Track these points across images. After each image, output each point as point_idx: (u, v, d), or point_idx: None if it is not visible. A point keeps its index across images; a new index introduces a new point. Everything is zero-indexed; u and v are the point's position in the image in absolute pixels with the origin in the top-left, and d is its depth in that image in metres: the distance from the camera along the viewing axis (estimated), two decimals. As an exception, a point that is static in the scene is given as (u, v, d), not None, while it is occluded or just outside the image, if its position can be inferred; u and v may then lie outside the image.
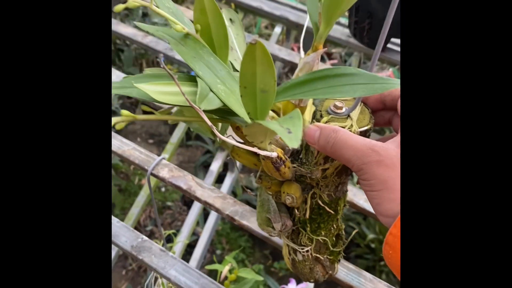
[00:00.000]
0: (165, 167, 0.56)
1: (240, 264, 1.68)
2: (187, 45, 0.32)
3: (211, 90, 0.30)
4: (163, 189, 1.77)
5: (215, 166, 1.15)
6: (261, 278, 0.74)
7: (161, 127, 2.05)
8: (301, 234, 0.39)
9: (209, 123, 0.27)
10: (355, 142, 0.29)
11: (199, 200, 0.53)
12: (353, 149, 0.29)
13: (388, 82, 0.28)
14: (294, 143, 0.22)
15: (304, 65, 0.34)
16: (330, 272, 0.43)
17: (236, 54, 0.43)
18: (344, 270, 0.48)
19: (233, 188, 1.49)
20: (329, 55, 2.00)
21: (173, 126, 1.46)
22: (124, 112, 0.26)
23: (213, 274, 0.94)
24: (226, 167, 1.40)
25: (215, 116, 0.32)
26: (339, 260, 0.43)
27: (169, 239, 1.25)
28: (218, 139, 0.36)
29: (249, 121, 0.29)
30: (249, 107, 0.28)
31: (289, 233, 0.39)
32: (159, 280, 0.73)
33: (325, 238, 0.39)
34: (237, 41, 0.43)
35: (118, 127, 0.26)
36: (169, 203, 1.73)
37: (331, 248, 0.40)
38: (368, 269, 1.63)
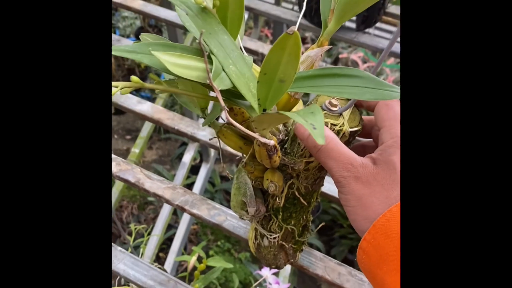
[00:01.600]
0: (112, 161, 0.55)
1: (226, 253, 1.69)
2: (203, 20, 0.31)
3: (223, 70, 0.30)
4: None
5: (187, 157, 1.14)
6: (230, 265, 0.74)
7: (138, 123, 2.03)
8: (272, 221, 0.39)
9: (222, 103, 0.27)
10: (339, 154, 0.30)
11: (148, 192, 0.53)
12: (336, 160, 0.30)
13: (395, 90, 0.28)
14: (320, 140, 0.22)
15: (306, 59, 0.34)
16: (292, 260, 0.44)
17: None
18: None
19: (210, 178, 1.48)
20: (302, 40, 1.98)
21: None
22: (134, 78, 0.25)
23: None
24: (201, 159, 1.40)
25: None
26: (302, 250, 0.43)
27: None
28: (205, 118, 0.36)
29: (256, 106, 0.29)
30: (261, 94, 0.29)
31: (260, 219, 0.40)
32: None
33: (293, 228, 0.39)
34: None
35: (123, 92, 0.25)
36: (150, 199, 1.72)
37: (297, 238, 0.41)
38: (352, 248, 1.65)
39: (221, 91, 0.29)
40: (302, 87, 0.31)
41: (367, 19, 0.76)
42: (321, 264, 0.48)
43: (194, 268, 0.76)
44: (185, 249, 1.31)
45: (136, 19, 2.00)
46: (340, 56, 1.85)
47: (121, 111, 2.08)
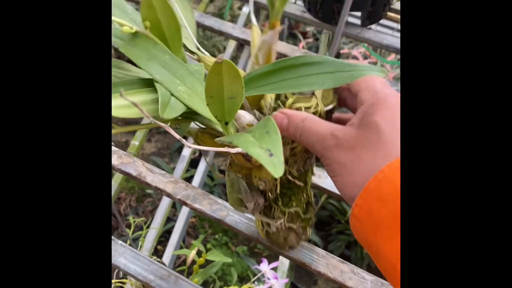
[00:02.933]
0: (114, 154, 0.54)
1: (223, 247, 1.69)
2: (138, 46, 0.29)
3: (172, 95, 0.28)
4: (142, 177, 1.75)
5: (187, 151, 1.14)
6: (229, 260, 0.74)
7: (138, 115, 2.03)
8: (273, 208, 0.39)
9: (177, 137, 0.25)
10: (318, 129, 0.29)
11: (150, 185, 0.52)
12: (316, 135, 0.29)
13: (355, 69, 0.27)
14: (279, 171, 0.20)
15: (262, 44, 0.33)
16: (304, 237, 0.44)
17: (187, 31, 0.41)
18: (297, 248, 0.48)
19: (209, 172, 1.48)
20: (304, 34, 1.97)
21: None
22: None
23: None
24: (200, 152, 1.39)
25: (179, 117, 0.31)
26: (311, 225, 0.43)
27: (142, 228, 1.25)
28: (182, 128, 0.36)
29: (217, 122, 0.29)
30: (216, 112, 0.28)
31: (262, 209, 0.40)
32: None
33: (296, 209, 0.39)
34: (185, 16, 0.41)
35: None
36: (149, 191, 1.71)
37: (303, 216, 0.40)
38: (349, 244, 1.65)
39: (181, 114, 0.27)
40: (258, 87, 0.30)
41: (372, 15, 0.75)
42: (323, 261, 0.47)
43: (193, 262, 0.76)
44: (183, 242, 1.31)
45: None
46: (342, 51, 1.84)
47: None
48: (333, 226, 1.67)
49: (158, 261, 0.52)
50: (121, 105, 0.26)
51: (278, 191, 0.37)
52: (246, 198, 0.37)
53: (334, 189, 0.53)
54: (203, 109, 0.28)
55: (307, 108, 0.31)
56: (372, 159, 0.27)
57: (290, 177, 0.36)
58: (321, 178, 0.54)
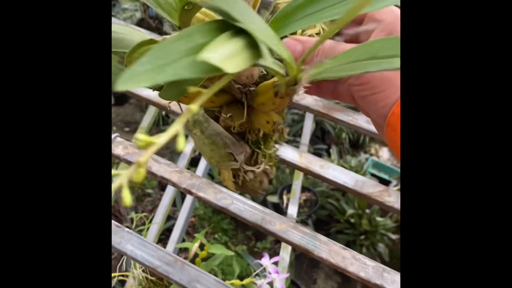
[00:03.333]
0: (119, 144, 0.55)
1: (223, 246, 1.70)
2: None
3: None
4: (142, 177, 1.76)
5: (189, 148, 1.14)
6: (231, 253, 0.75)
7: (137, 115, 2.03)
8: (255, 154, 0.37)
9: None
10: (347, 46, 0.27)
11: (155, 175, 0.53)
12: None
13: None
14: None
15: None
16: (271, 176, 0.42)
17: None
18: (300, 234, 0.49)
19: (209, 171, 1.49)
20: None
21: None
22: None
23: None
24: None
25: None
26: (275, 162, 0.42)
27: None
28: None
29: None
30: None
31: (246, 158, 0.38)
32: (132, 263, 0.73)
33: (275, 149, 0.38)
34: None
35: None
36: (149, 190, 1.72)
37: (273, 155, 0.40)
38: (348, 243, 1.66)
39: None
40: (290, 24, 0.25)
41: None
42: (326, 247, 0.48)
43: (195, 255, 0.76)
44: (183, 242, 1.32)
45: (137, 11, 2.00)
46: None
47: (120, 102, 2.08)
48: (332, 226, 1.68)
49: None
50: (225, 55, 0.19)
51: (261, 134, 0.36)
52: (235, 150, 0.35)
53: (336, 179, 0.55)
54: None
55: (317, 34, 0.30)
56: (398, 79, 0.26)
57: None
58: (323, 168, 0.55)
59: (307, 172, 0.56)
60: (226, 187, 0.44)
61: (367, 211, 1.62)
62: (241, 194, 0.43)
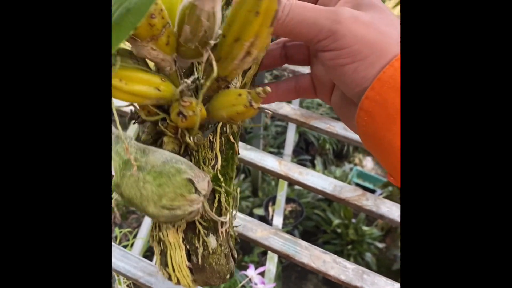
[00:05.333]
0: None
1: (211, 261, 1.68)
2: None
3: None
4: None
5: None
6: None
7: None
8: (216, 194, 0.29)
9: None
10: (316, 7, 0.24)
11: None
12: (319, 10, 0.24)
13: None
14: None
15: None
16: (235, 255, 0.33)
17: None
18: (281, 241, 0.50)
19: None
20: None
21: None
22: None
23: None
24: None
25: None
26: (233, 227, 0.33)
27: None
28: None
29: None
30: None
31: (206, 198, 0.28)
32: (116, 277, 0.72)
33: (236, 191, 0.30)
34: None
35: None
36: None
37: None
38: (336, 253, 1.66)
39: None
40: None
41: None
42: (307, 252, 0.49)
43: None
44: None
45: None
46: None
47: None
48: (319, 237, 1.69)
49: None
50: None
51: (220, 159, 0.29)
52: (196, 175, 0.25)
53: (315, 185, 0.56)
54: None
55: None
56: (387, 45, 0.23)
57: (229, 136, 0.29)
58: (302, 175, 0.56)
59: (286, 179, 0.57)
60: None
61: (353, 220, 1.63)
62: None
